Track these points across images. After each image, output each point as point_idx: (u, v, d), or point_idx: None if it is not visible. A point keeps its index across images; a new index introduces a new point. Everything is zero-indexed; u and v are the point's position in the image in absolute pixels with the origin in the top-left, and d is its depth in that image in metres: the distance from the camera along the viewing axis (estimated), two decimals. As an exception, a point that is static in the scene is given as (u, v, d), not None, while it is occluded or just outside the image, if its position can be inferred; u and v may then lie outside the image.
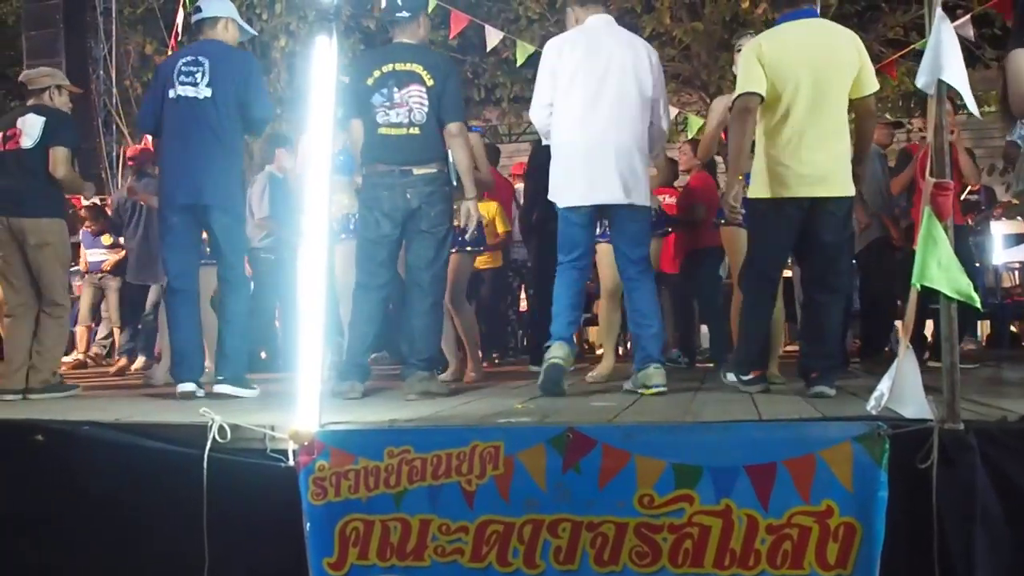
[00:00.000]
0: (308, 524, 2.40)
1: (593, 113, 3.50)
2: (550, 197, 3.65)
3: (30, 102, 4.07)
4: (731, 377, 3.42)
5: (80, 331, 6.82)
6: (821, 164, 3.14)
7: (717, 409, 2.82)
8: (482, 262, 5.44)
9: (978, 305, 2.16)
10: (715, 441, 2.30)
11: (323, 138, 2.54)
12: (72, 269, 5.42)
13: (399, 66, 3.65)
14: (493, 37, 6.85)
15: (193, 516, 2.42)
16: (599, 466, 2.29)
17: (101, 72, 8.90)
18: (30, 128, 3.92)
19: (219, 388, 3.64)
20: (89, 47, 8.81)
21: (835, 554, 2.17)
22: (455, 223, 3.84)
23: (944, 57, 2.13)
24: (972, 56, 9.06)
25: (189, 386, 3.64)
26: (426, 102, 3.63)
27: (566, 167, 3.56)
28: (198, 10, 3.91)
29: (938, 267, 2.09)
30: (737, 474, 2.23)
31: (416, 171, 3.61)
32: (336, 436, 2.45)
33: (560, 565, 2.29)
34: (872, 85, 3.25)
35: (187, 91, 3.69)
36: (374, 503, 2.38)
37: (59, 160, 3.93)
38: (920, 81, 2.19)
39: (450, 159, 3.76)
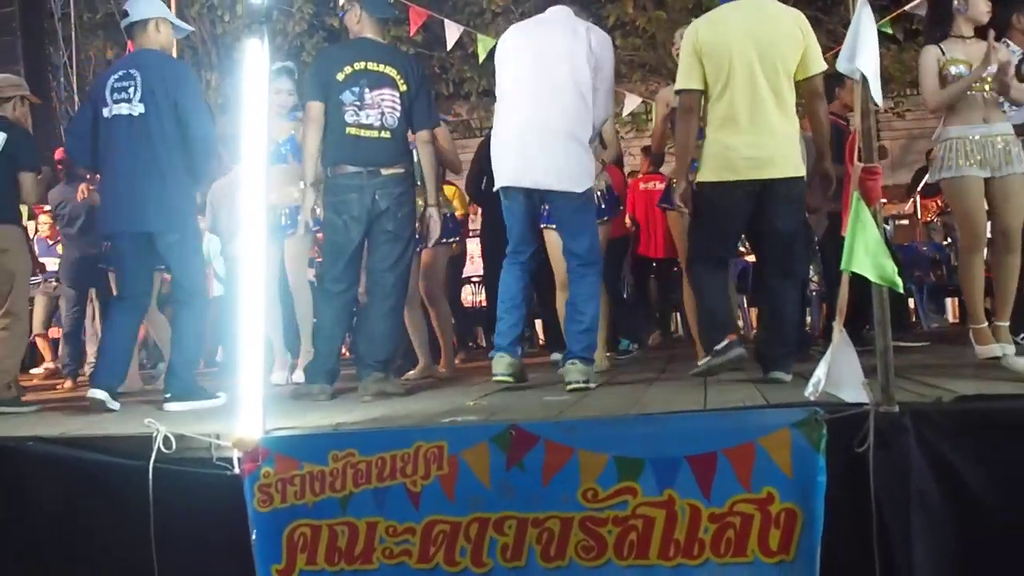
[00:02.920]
0: (255, 531, 2.38)
1: (531, 98, 3.43)
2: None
3: None
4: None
5: (40, 343, 6.58)
6: (767, 145, 3.10)
7: (665, 400, 2.82)
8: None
9: (901, 290, 2.17)
10: (656, 433, 2.30)
11: (257, 142, 2.51)
12: (32, 280, 5.27)
13: (372, 66, 3.62)
14: (453, 32, 6.82)
15: (141, 528, 2.40)
16: (542, 462, 2.29)
17: (61, 79, 8.80)
18: None
19: (169, 407, 3.41)
20: (48, 54, 8.71)
21: (777, 540, 2.18)
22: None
23: (860, 42, 2.14)
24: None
25: (100, 393, 3.41)
26: (398, 107, 3.62)
27: (503, 145, 3.50)
28: (125, 15, 3.64)
29: (864, 252, 2.10)
30: (679, 465, 2.23)
31: (384, 171, 3.59)
32: (280, 442, 2.44)
33: (508, 562, 2.30)
34: (818, 65, 3.18)
35: (121, 109, 3.49)
36: (320, 508, 2.37)
37: (29, 187, 3.91)
38: (842, 66, 2.20)
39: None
